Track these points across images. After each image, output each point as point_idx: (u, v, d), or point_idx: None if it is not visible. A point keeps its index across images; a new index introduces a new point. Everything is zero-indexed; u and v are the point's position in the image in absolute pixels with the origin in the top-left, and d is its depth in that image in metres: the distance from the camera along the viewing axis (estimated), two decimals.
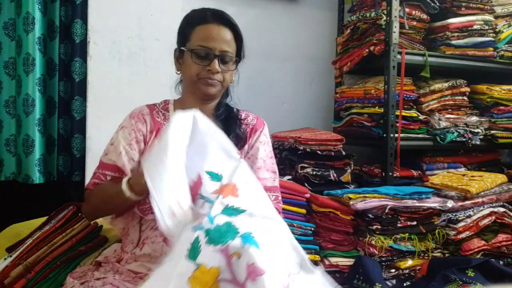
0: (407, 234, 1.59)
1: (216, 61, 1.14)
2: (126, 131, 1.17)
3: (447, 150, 2.18)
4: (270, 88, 2.44)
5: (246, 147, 1.26)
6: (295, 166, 1.84)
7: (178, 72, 1.24)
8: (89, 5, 1.97)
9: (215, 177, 0.94)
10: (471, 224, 1.72)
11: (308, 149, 1.85)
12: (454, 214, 1.73)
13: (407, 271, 1.58)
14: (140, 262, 1.07)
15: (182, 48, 1.20)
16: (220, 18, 1.18)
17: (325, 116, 2.53)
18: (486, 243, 1.72)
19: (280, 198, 1.29)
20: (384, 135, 1.94)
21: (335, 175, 1.84)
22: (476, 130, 2.15)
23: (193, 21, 1.19)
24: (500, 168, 2.30)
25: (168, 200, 0.86)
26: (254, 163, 1.23)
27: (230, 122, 1.24)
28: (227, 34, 1.17)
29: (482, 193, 1.80)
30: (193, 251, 0.78)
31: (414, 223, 1.62)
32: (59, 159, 2.01)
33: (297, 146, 1.86)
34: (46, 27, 1.94)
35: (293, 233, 1.00)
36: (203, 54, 1.15)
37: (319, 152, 1.85)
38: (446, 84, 2.11)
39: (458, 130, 2.10)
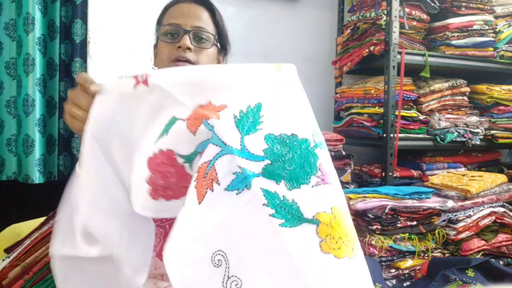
0: (407, 234, 1.59)
1: (186, 37, 1.00)
2: None
3: (447, 150, 2.18)
4: None
5: None
6: None
7: (155, 67, 1.09)
8: (89, 5, 1.97)
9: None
10: (471, 224, 1.72)
11: None
12: (454, 214, 1.73)
13: (407, 271, 1.58)
14: None
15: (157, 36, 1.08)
16: None
17: (325, 116, 2.53)
18: (486, 243, 1.72)
19: None
20: (384, 135, 1.94)
21: None
22: (476, 130, 2.15)
23: (166, 6, 1.09)
24: (500, 168, 2.30)
25: None
26: None
27: None
28: (201, 11, 1.05)
29: (482, 193, 1.80)
30: None
31: (414, 223, 1.61)
32: (59, 159, 2.01)
33: None
34: (46, 27, 1.94)
35: None
36: (172, 31, 1.02)
37: None
38: (446, 84, 2.11)
39: (458, 130, 2.10)
